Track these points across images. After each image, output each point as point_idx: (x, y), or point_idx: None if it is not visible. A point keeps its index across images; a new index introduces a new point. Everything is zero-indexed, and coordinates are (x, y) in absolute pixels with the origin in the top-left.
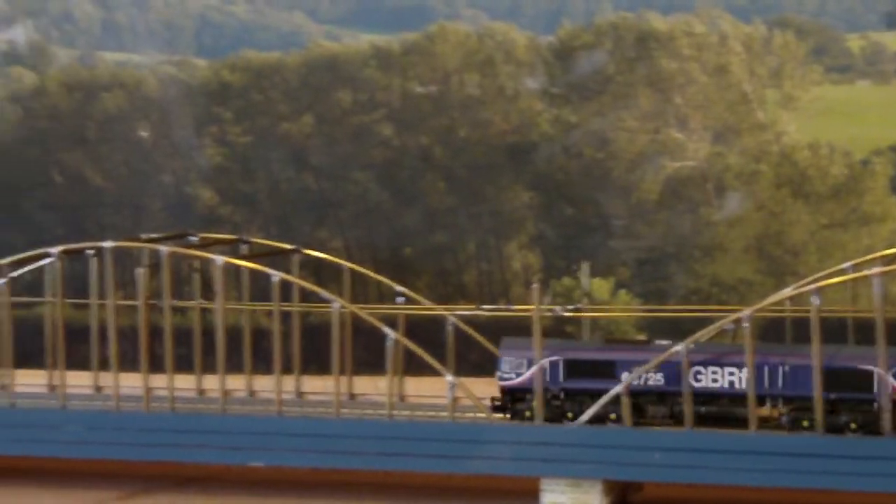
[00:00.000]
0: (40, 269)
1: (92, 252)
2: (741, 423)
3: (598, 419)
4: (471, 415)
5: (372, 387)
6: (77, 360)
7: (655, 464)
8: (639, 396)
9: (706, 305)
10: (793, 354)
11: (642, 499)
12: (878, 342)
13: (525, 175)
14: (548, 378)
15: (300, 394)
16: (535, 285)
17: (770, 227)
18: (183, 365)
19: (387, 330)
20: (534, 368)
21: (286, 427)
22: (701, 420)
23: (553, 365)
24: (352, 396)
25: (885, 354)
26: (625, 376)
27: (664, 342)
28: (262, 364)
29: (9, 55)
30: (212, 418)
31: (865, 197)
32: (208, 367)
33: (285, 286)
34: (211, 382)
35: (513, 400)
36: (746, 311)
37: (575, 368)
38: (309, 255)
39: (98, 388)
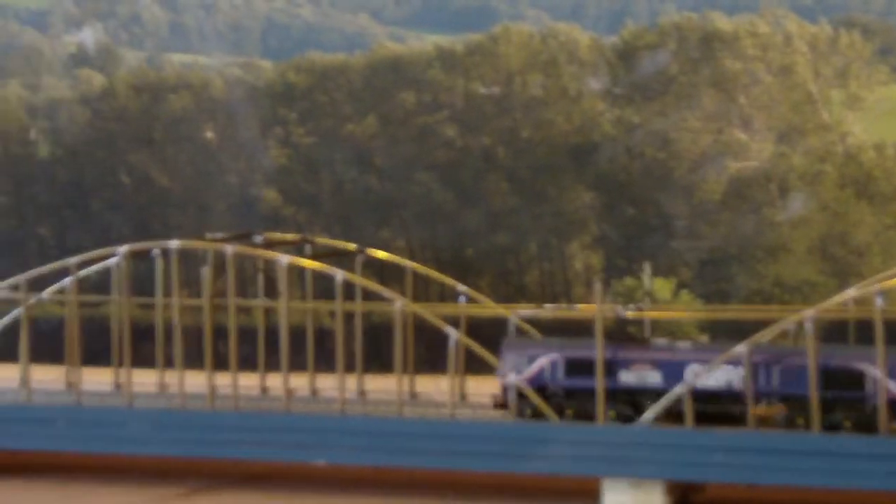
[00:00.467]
0: (107, 268)
1: (158, 252)
2: (739, 421)
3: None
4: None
5: (434, 386)
6: (142, 359)
7: (717, 464)
8: (638, 395)
9: (768, 306)
10: (789, 354)
11: (704, 499)
12: None
13: (587, 175)
14: (548, 376)
15: (362, 392)
16: (598, 285)
17: (834, 227)
18: (247, 364)
19: (449, 329)
20: (534, 366)
21: (348, 425)
22: (701, 418)
23: (553, 363)
24: (413, 395)
25: None
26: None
27: (661, 341)
28: (325, 363)
29: (78, 58)
30: (275, 417)
31: None
32: (272, 366)
33: (348, 286)
34: (274, 381)
35: (511, 396)
36: (809, 312)
37: (574, 367)
38: (372, 256)
39: (163, 387)
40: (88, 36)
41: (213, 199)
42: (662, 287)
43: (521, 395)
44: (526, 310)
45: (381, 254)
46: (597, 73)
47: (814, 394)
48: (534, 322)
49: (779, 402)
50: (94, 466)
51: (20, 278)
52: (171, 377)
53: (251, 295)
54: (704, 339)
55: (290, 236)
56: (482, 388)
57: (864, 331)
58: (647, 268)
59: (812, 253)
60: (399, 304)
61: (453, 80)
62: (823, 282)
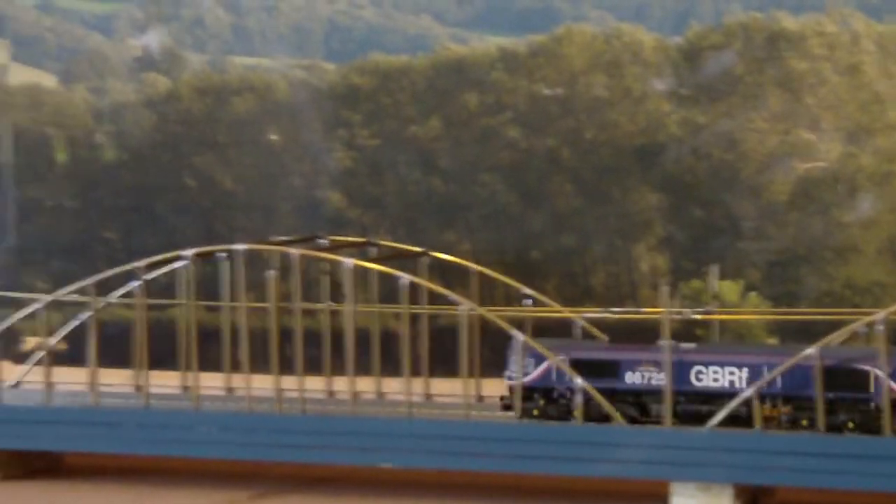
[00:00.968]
0: (173, 271)
1: (224, 255)
2: (744, 422)
3: (604, 419)
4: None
5: (500, 389)
6: (209, 362)
7: (787, 468)
8: (643, 395)
9: (839, 308)
10: (791, 355)
11: (774, 503)
12: None
13: (653, 177)
14: (553, 377)
15: (428, 396)
16: (665, 288)
17: None
18: (312, 367)
19: (515, 332)
20: (541, 368)
21: (415, 429)
22: (702, 419)
23: (559, 364)
24: (480, 398)
25: None
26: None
27: (667, 342)
28: (391, 366)
29: (143, 61)
30: (341, 420)
31: None
32: (337, 369)
33: (413, 288)
34: (340, 384)
35: (522, 398)
36: (881, 314)
37: (580, 368)
38: (437, 258)
39: (230, 390)
40: (153, 39)
41: (277, 201)
42: (730, 289)
43: (528, 397)
44: (592, 313)
45: (445, 256)
46: (661, 73)
47: (887, 402)
48: (599, 325)
49: (783, 403)
50: (162, 469)
51: (88, 282)
52: (238, 380)
53: (316, 298)
54: (772, 341)
55: (355, 239)
56: None
57: None
58: (714, 270)
59: (882, 254)
60: (465, 307)
61: (516, 82)
62: (894, 283)
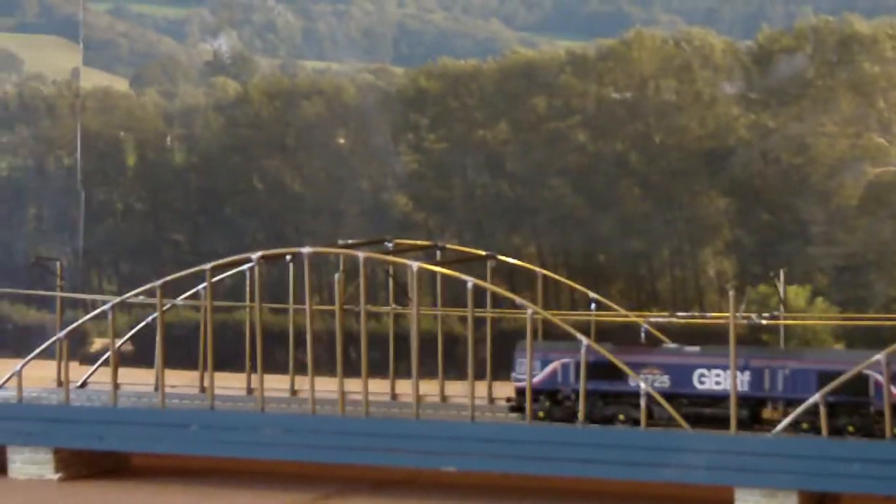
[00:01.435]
0: (241, 273)
1: (290, 257)
2: (744, 423)
3: (607, 420)
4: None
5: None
6: (274, 364)
7: (854, 475)
8: (647, 399)
9: None
10: (792, 358)
11: None
12: None
13: (721, 181)
14: (560, 379)
15: (492, 399)
16: (732, 292)
17: None
18: (376, 369)
19: (580, 336)
20: (547, 369)
21: (478, 432)
22: (705, 422)
23: (565, 366)
24: None
25: None
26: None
27: (672, 345)
28: (455, 369)
29: (214, 65)
30: (405, 423)
31: None
32: (401, 372)
33: (479, 292)
34: (404, 387)
35: (523, 399)
36: None
37: (587, 370)
38: (503, 262)
39: (294, 392)
40: (224, 44)
41: (344, 204)
42: (797, 294)
43: (534, 398)
44: (657, 317)
45: (511, 260)
46: (731, 77)
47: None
48: (665, 329)
49: (784, 406)
50: (227, 470)
51: (155, 284)
52: (302, 382)
53: (381, 301)
54: (840, 347)
55: (420, 242)
56: None
57: None
58: (781, 275)
59: None
60: (530, 311)
61: (585, 86)
62: None
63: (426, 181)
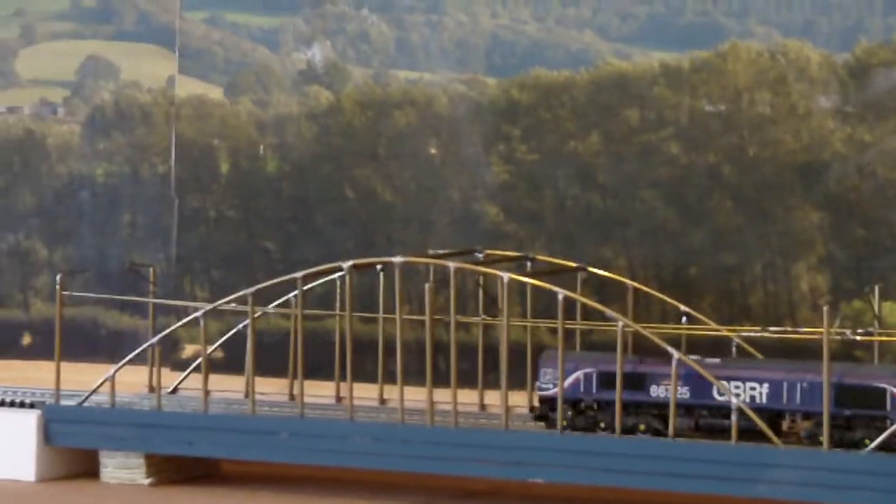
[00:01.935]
0: (331, 281)
1: (380, 267)
2: (763, 436)
3: (629, 431)
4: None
5: None
6: (362, 373)
7: None
8: (665, 408)
9: None
10: (810, 371)
11: None
12: None
13: (815, 195)
14: (582, 389)
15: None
16: (826, 307)
17: None
18: (466, 380)
19: (671, 350)
20: (570, 379)
21: (567, 444)
22: (723, 433)
23: (587, 376)
24: None
25: None
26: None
27: (694, 357)
28: None
29: (307, 74)
30: (493, 433)
31: None
32: (490, 383)
33: (569, 304)
34: (493, 398)
35: (551, 409)
36: None
37: (608, 380)
38: (593, 273)
39: (383, 401)
40: (317, 53)
41: (435, 214)
42: (892, 311)
43: (554, 408)
44: (749, 331)
45: (602, 272)
46: (827, 90)
47: None
48: (756, 344)
49: (803, 418)
50: (316, 478)
51: (247, 292)
52: (391, 392)
53: (471, 311)
54: None
55: (511, 253)
56: None
57: None
58: (876, 290)
59: None
60: (621, 324)
61: (679, 98)
62: None
63: (517, 192)
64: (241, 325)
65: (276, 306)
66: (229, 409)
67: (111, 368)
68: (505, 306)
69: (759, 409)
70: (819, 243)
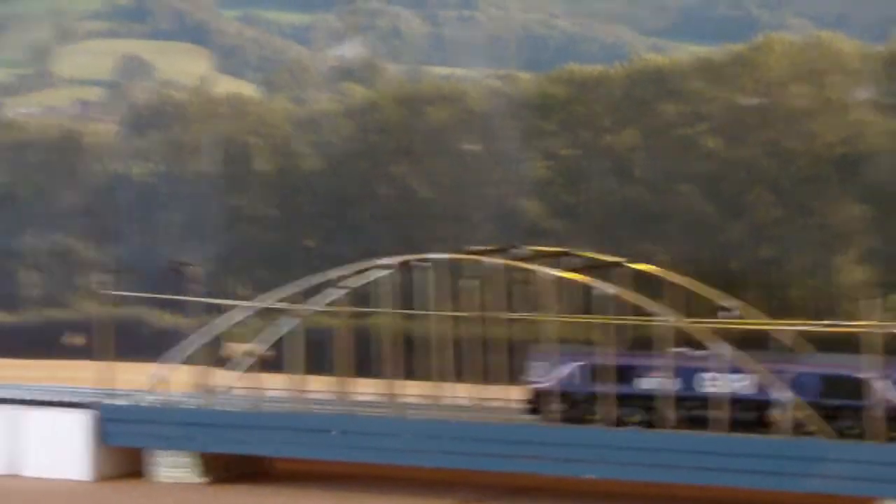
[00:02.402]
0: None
1: (424, 263)
2: (750, 426)
3: (619, 423)
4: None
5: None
6: (405, 369)
7: None
8: (657, 400)
9: None
10: (797, 362)
11: None
12: None
13: (854, 187)
14: (575, 382)
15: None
16: (875, 301)
17: None
18: (514, 375)
19: (718, 344)
20: (561, 373)
21: (618, 440)
22: (714, 423)
23: (579, 370)
24: None
25: None
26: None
27: (679, 349)
28: None
29: (341, 71)
30: (545, 430)
31: None
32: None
33: (607, 298)
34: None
35: (541, 401)
36: None
37: (600, 373)
38: (632, 268)
39: (430, 398)
40: (350, 49)
41: (472, 210)
42: None
43: (549, 401)
44: (799, 325)
45: (641, 266)
46: (864, 82)
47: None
48: (802, 337)
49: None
50: (366, 475)
51: (294, 290)
52: (433, 388)
53: (511, 307)
54: None
55: (552, 248)
56: None
57: None
58: None
59: None
60: (668, 319)
61: (714, 91)
62: None
63: (555, 187)
64: (289, 324)
65: (323, 304)
66: (280, 408)
67: (156, 367)
68: (547, 302)
69: (744, 400)
70: (860, 236)
